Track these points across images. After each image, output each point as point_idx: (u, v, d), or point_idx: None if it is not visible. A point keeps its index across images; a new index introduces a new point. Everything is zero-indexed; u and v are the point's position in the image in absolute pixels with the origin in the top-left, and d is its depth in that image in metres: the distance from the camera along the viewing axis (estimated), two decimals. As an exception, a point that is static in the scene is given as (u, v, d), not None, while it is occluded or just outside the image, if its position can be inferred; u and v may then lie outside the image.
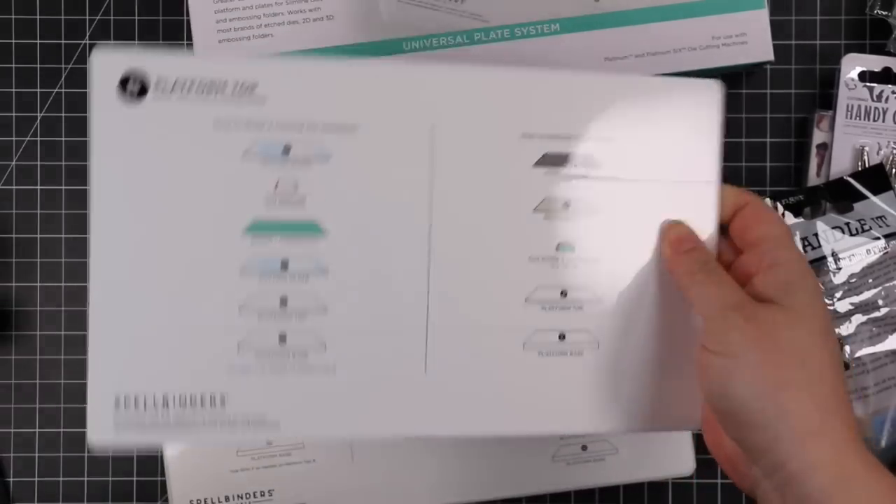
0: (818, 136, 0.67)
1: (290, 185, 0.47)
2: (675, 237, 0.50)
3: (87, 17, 0.69)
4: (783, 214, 0.65)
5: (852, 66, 0.67)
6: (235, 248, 0.47)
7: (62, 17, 0.69)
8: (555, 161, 0.49)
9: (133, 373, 0.47)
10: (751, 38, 0.64)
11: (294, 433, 0.49)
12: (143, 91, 0.46)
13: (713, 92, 0.51)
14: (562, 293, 0.50)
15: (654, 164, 0.50)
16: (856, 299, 0.65)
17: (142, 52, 0.47)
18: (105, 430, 0.47)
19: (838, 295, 0.64)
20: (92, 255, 0.46)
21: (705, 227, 0.50)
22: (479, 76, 0.49)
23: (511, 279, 0.49)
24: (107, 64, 0.46)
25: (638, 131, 0.50)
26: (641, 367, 0.50)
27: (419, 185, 0.48)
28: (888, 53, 0.67)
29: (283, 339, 0.47)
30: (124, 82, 0.46)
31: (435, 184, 0.48)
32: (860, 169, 0.66)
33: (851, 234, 0.65)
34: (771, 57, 0.64)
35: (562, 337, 0.50)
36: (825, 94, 0.69)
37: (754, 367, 0.44)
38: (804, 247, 0.65)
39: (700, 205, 0.51)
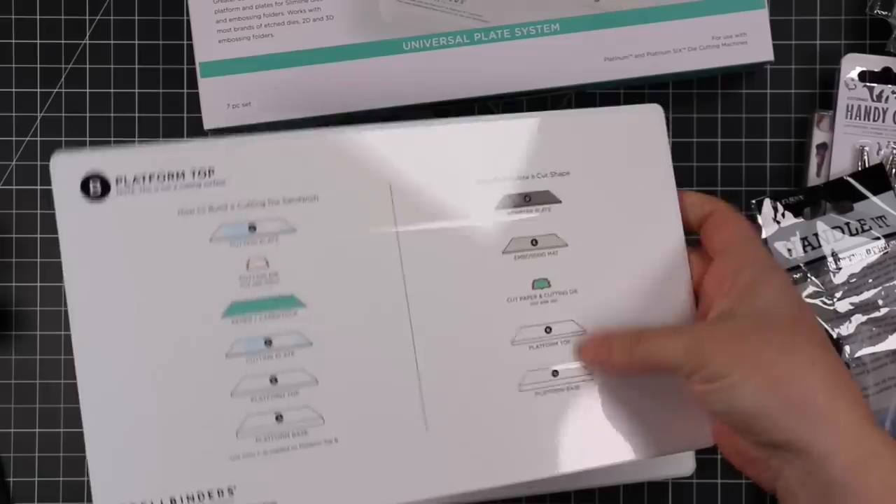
0: (818, 136, 0.67)
1: (262, 262, 0.47)
2: (592, 350, 0.50)
3: (87, 17, 0.69)
4: (783, 214, 0.65)
5: (852, 66, 0.67)
6: (217, 333, 0.47)
7: (62, 17, 0.69)
8: (515, 201, 0.50)
9: (136, 481, 0.46)
10: (751, 38, 0.64)
11: None
12: (105, 189, 0.46)
13: (654, 114, 0.52)
14: (546, 329, 0.50)
15: (612, 190, 0.51)
16: (856, 299, 0.65)
17: (98, 153, 0.47)
18: None
19: (838, 295, 0.64)
20: (76, 358, 0.46)
21: (671, 242, 0.51)
22: (427, 133, 0.50)
23: (494, 324, 0.50)
24: (66, 167, 0.46)
25: (590, 162, 0.51)
26: (640, 393, 0.51)
27: (387, 244, 0.48)
28: (888, 53, 0.67)
29: (279, 418, 0.47)
30: (85, 184, 0.46)
31: (402, 240, 0.49)
32: (860, 169, 0.66)
33: (851, 234, 0.65)
34: (771, 57, 0.64)
35: (555, 374, 0.50)
36: (825, 94, 0.69)
37: (747, 378, 0.44)
38: (804, 247, 0.65)
39: (662, 221, 0.51)
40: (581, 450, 0.50)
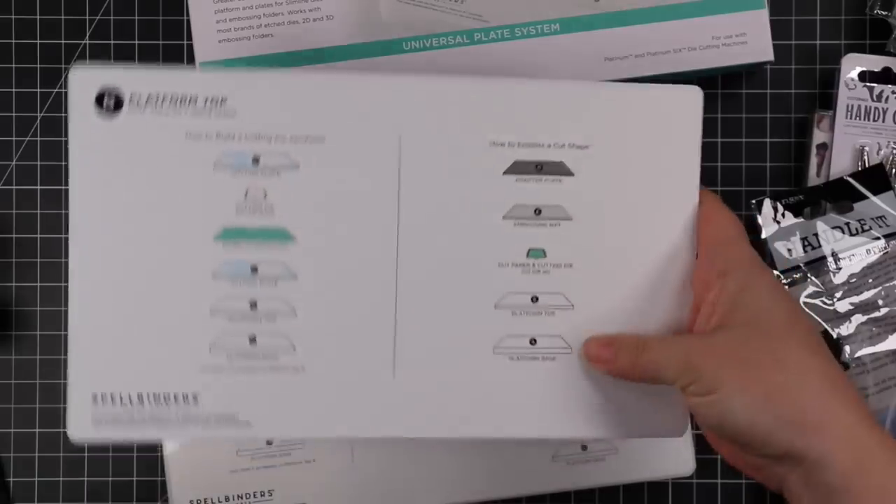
0: (818, 136, 0.67)
1: (260, 193, 0.49)
2: (597, 351, 0.50)
3: (87, 17, 0.69)
4: (783, 214, 0.65)
5: (852, 66, 0.67)
6: (207, 253, 0.49)
7: (62, 17, 0.69)
8: (526, 169, 0.50)
9: (109, 371, 0.49)
10: (751, 38, 0.63)
11: (264, 433, 0.51)
12: (118, 105, 0.48)
13: (693, 99, 0.51)
14: (532, 299, 0.50)
15: (631, 172, 0.50)
16: (856, 299, 0.65)
17: (117, 69, 0.48)
18: (84, 426, 0.49)
19: (838, 295, 0.64)
20: (71, 259, 0.49)
21: (679, 233, 0.51)
22: (446, 85, 0.50)
23: (480, 284, 0.50)
24: (83, 80, 0.48)
25: (613, 139, 0.50)
26: None
27: (386, 193, 0.49)
28: (888, 53, 0.67)
29: (253, 340, 0.49)
30: (100, 98, 0.48)
31: (402, 192, 0.49)
32: (860, 169, 0.66)
33: (851, 234, 0.65)
34: (771, 57, 0.64)
35: (533, 342, 0.50)
36: (825, 94, 0.69)
37: (737, 394, 0.44)
38: (804, 247, 0.65)
39: (675, 210, 0.51)
40: (545, 418, 0.50)
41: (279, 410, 0.49)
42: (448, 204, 0.49)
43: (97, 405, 0.49)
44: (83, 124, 0.48)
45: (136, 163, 0.48)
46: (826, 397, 0.44)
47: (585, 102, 0.50)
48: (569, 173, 0.50)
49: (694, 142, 0.51)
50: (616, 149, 0.50)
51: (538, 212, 0.50)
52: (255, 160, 0.48)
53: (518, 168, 0.50)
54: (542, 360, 0.50)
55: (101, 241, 0.49)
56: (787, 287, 0.64)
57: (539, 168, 0.50)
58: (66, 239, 0.67)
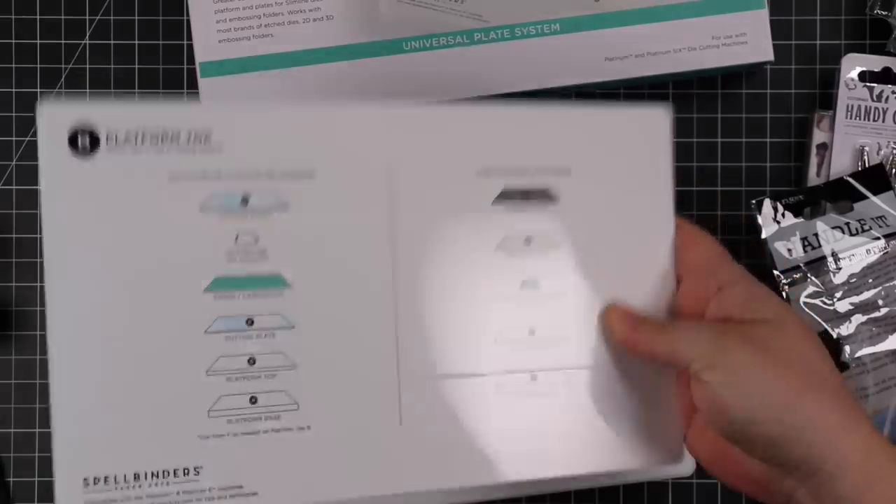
0: (818, 136, 0.67)
1: (251, 237, 0.46)
2: (618, 317, 0.50)
3: (87, 17, 0.69)
4: (783, 214, 0.65)
5: (852, 66, 0.67)
6: (198, 308, 0.46)
7: (62, 17, 0.69)
8: (513, 196, 0.49)
9: (101, 452, 0.45)
10: (751, 38, 0.63)
11: (273, 502, 0.46)
12: (94, 145, 0.44)
13: (662, 118, 0.51)
14: (530, 332, 0.49)
15: (610, 194, 0.50)
16: (856, 299, 0.64)
17: (90, 105, 0.45)
18: None
19: (838, 295, 0.64)
20: (48, 323, 0.44)
21: (663, 251, 0.50)
22: (432, 115, 0.49)
23: (478, 321, 0.49)
24: (55, 118, 0.44)
25: (592, 161, 0.50)
26: (617, 404, 0.50)
27: (379, 229, 0.47)
28: (888, 53, 0.67)
29: (253, 400, 0.46)
30: (73, 137, 0.44)
31: (396, 227, 0.48)
32: (860, 169, 0.66)
33: (851, 234, 0.65)
34: (771, 57, 0.64)
35: (533, 377, 0.49)
36: (825, 94, 0.68)
37: (765, 384, 0.44)
38: (804, 247, 0.65)
39: (657, 229, 0.51)
40: (552, 457, 0.49)
41: (287, 476, 0.46)
42: (442, 239, 0.48)
43: (88, 489, 0.45)
44: (56, 166, 0.44)
45: (116, 208, 0.45)
46: (844, 409, 0.44)
47: (562, 126, 0.50)
48: (554, 199, 0.50)
49: (664, 162, 0.51)
50: (595, 172, 0.50)
51: (528, 241, 0.49)
52: (245, 200, 0.46)
53: (506, 196, 0.49)
54: (544, 397, 0.49)
55: (80, 300, 0.44)
56: (787, 287, 0.64)
57: (526, 196, 0.49)
58: (66, 239, 0.67)
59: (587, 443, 0.50)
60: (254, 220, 0.46)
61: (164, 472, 0.45)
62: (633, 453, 0.50)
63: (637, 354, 0.49)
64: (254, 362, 0.46)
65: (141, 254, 0.45)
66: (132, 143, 0.45)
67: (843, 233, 0.65)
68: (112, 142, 0.44)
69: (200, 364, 0.45)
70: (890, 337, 0.64)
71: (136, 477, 0.45)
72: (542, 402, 0.49)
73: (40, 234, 0.68)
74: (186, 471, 0.45)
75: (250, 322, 0.46)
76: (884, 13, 0.67)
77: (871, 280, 0.64)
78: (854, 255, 0.65)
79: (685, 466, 0.63)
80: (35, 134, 0.68)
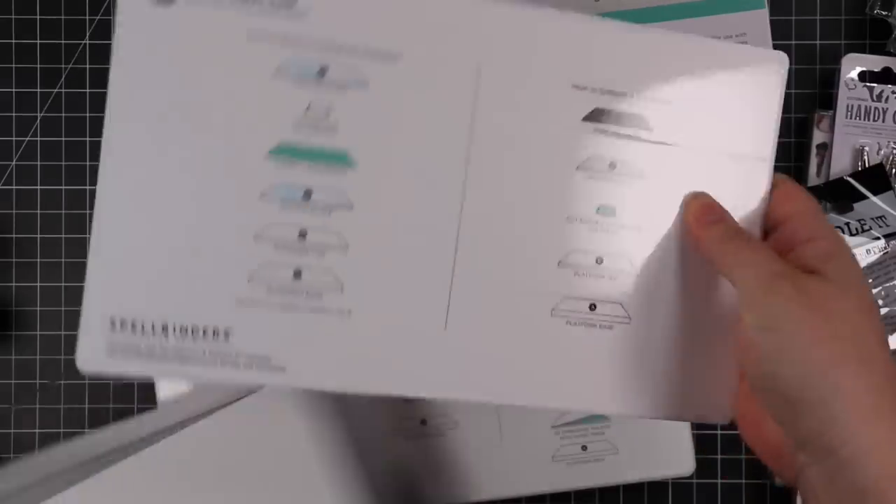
0: (818, 136, 0.67)
1: (323, 109, 0.44)
2: (700, 206, 0.47)
3: (87, 17, 0.69)
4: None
5: (852, 66, 0.67)
6: (257, 170, 0.44)
7: (62, 17, 0.69)
8: (605, 118, 0.46)
9: (133, 292, 0.43)
10: (751, 37, 0.64)
11: (299, 381, 0.45)
12: None
13: (778, 65, 0.49)
14: (597, 260, 0.47)
15: (709, 133, 0.47)
16: (856, 299, 0.65)
17: None
18: (97, 355, 0.43)
19: (838, 295, 0.64)
20: (102, 157, 0.43)
21: (754, 204, 0.47)
22: (533, 17, 0.46)
23: (546, 239, 0.46)
24: None
25: (696, 97, 0.47)
26: (672, 350, 0.48)
27: (459, 126, 0.45)
28: (888, 53, 0.67)
29: (297, 274, 0.44)
30: None
31: (476, 127, 0.45)
32: (860, 169, 0.66)
33: (851, 234, 0.65)
34: (771, 56, 0.64)
35: (592, 307, 0.47)
36: (825, 94, 0.69)
37: (806, 343, 0.41)
38: (804, 247, 0.65)
39: (751, 181, 0.48)
40: (594, 392, 0.47)
41: (318, 357, 0.44)
42: (521, 147, 0.46)
43: (114, 331, 0.43)
44: (133, 9, 0.43)
45: (189, 61, 0.43)
46: (883, 392, 0.41)
47: (672, 54, 0.47)
48: (647, 128, 0.47)
49: (771, 111, 0.48)
50: (697, 107, 0.47)
51: (612, 166, 0.47)
52: (322, 71, 0.44)
53: (597, 116, 0.46)
54: (600, 329, 0.47)
55: (139, 142, 0.43)
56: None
57: (620, 119, 0.47)
58: (66, 239, 0.68)
59: (632, 384, 0.48)
60: (329, 92, 0.44)
61: (193, 328, 0.44)
62: (677, 404, 0.48)
63: (699, 252, 0.47)
64: (305, 236, 0.44)
65: (207, 109, 0.44)
66: None
67: (843, 233, 0.65)
68: None
69: (250, 226, 0.44)
70: (890, 337, 0.64)
71: (164, 329, 0.43)
72: (596, 334, 0.47)
73: (39, 234, 0.68)
74: (217, 332, 0.44)
75: (308, 194, 0.44)
76: (884, 13, 0.67)
77: (870, 280, 0.65)
78: (854, 254, 0.65)
79: (685, 466, 0.63)
80: (36, 133, 0.68)
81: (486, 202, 0.46)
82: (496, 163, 0.46)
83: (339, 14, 0.44)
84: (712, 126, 0.47)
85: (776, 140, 0.48)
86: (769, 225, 0.47)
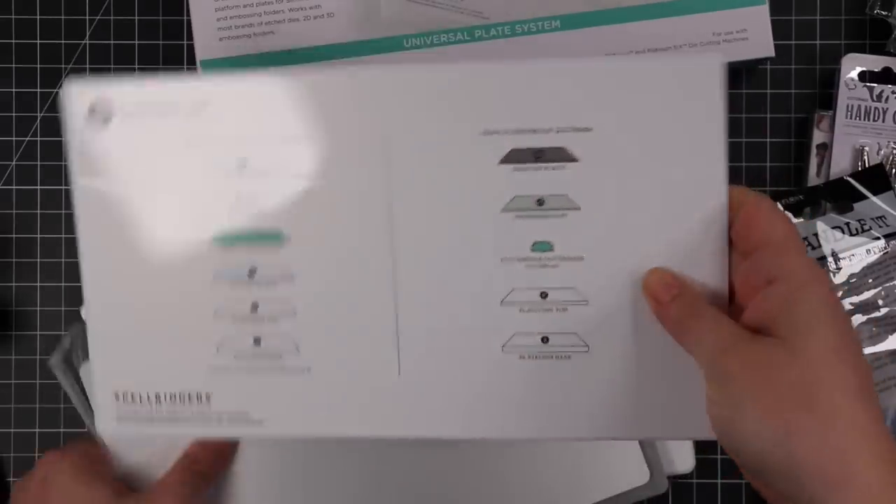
0: (818, 136, 0.67)
1: (251, 196, 0.49)
2: (655, 284, 0.46)
3: (87, 17, 0.69)
4: (783, 214, 0.65)
5: (852, 66, 0.67)
6: (206, 257, 0.49)
7: (62, 17, 0.69)
8: (523, 157, 0.47)
9: (127, 371, 0.50)
10: (751, 34, 0.64)
11: (277, 432, 0.50)
12: (110, 117, 0.49)
13: (711, 68, 0.46)
14: (542, 294, 0.48)
15: (644, 155, 0.46)
16: (856, 299, 0.65)
17: (105, 82, 0.49)
18: (109, 422, 0.50)
19: (838, 295, 0.64)
20: (80, 262, 0.50)
21: (712, 220, 0.46)
22: (430, 75, 0.48)
23: (484, 282, 0.48)
24: (76, 94, 0.49)
25: (622, 118, 0.46)
26: (638, 373, 0.48)
27: (378, 190, 0.48)
28: (888, 53, 0.67)
29: (257, 341, 0.49)
30: (92, 110, 0.49)
31: (394, 188, 0.48)
32: (860, 169, 0.66)
33: (851, 234, 0.65)
34: (772, 53, 0.64)
35: (545, 340, 0.48)
36: (825, 94, 0.69)
37: (758, 417, 0.40)
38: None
39: (704, 195, 0.46)
40: (562, 418, 0.48)
41: (289, 409, 0.49)
42: (442, 198, 0.48)
43: (119, 402, 0.50)
44: (78, 135, 0.50)
45: (131, 170, 0.49)
46: (853, 450, 0.39)
47: (588, 81, 0.47)
48: (572, 159, 0.47)
49: (712, 119, 0.46)
50: (625, 130, 0.47)
51: (541, 202, 0.47)
52: (243, 163, 0.48)
53: (515, 157, 0.47)
54: (556, 359, 0.48)
55: (108, 246, 0.49)
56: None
57: (538, 155, 0.47)
58: (66, 239, 0.68)
59: (601, 409, 0.48)
60: (253, 180, 0.48)
61: (179, 395, 0.50)
62: (651, 424, 0.48)
63: (667, 329, 0.46)
64: (256, 308, 0.49)
65: (156, 209, 0.49)
66: (142, 114, 0.49)
67: (843, 233, 0.65)
68: (124, 113, 0.49)
69: (209, 306, 0.49)
70: (890, 337, 0.64)
71: (157, 397, 0.50)
72: (554, 365, 0.48)
73: (39, 234, 0.68)
74: (199, 396, 0.50)
75: (252, 272, 0.49)
76: (884, 13, 0.67)
77: (871, 280, 0.65)
78: (854, 255, 0.65)
79: (685, 465, 0.63)
80: (36, 133, 0.68)
81: (418, 257, 0.48)
82: (421, 219, 0.48)
83: (247, 111, 0.49)
84: (647, 144, 0.47)
85: (725, 149, 0.46)
86: (743, 250, 0.45)
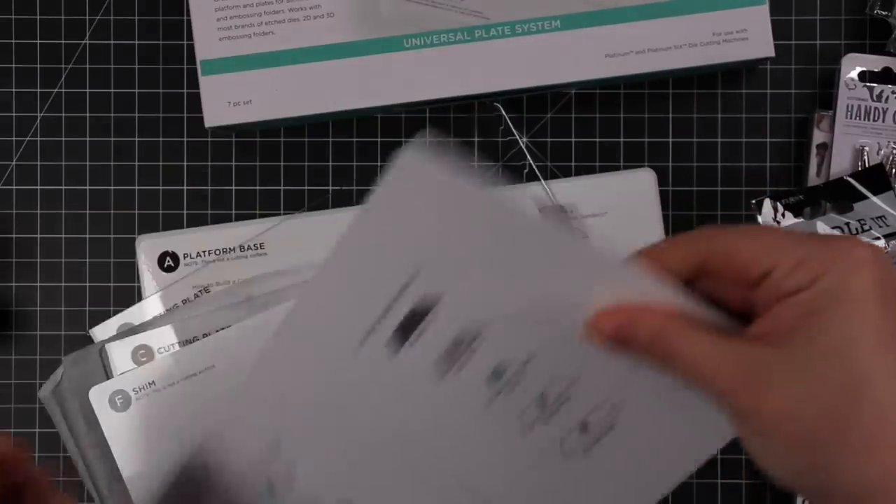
0: (818, 136, 0.67)
1: None
2: (605, 335, 0.40)
3: (87, 17, 0.69)
4: (783, 214, 0.65)
5: (852, 66, 0.67)
6: None
7: (62, 17, 0.69)
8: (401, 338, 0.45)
9: None
10: (751, 33, 0.63)
11: None
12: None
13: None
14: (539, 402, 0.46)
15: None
16: (856, 299, 0.64)
17: None
18: None
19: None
20: None
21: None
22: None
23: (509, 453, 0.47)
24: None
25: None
26: (658, 436, 0.45)
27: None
28: (888, 53, 0.67)
29: None
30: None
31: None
32: (860, 169, 0.66)
33: (851, 234, 0.65)
34: (772, 53, 0.64)
35: (584, 428, 0.45)
36: (825, 94, 0.69)
37: (785, 446, 0.36)
38: (804, 247, 0.65)
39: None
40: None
41: None
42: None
43: None
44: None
45: None
46: (877, 476, 0.36)
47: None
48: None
49: None
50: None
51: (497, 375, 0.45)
52: None
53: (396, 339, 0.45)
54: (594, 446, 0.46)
55: None
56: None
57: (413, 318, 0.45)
58: (66, 239, 0.68)
59: (641, 478, 0.46)
60: None
61: None
62: (686, 461, 0.45)
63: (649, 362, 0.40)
64: None
65: None
66: None
67: (844, 233, 0.65)
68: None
69: None
70: (891, 337, 0.64)
71: None
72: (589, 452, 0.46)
73: (39, 234, 0.68)
74: None
75: None
76: (884, 13, 0.67)
77: (871, 280, 0.64)
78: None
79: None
80: (36, 133, 0.68)
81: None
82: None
83: None
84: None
85: None
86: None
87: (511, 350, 0.44)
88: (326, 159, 0.68)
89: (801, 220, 0.65)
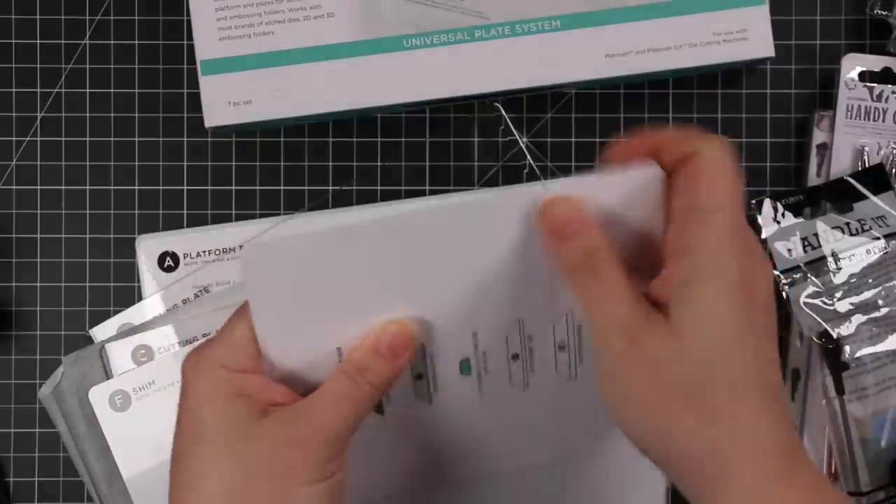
0: (818, 136, 0.67)
1: None
2: (554, 219, 0.41)
3: (87, 17, 0.69)
4: (783, 214, 0.65)
5: (852, 66, 0.67)
6: None
7: (62, 17, 0.69)
8: None
9: None
10: (751, 33, 0.64)
11: None
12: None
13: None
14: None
15: None
16: (856, 299, 0.64)
17: None
18: None
19: (838, 295, 0.64)
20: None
21: (645, 191, 0.43)
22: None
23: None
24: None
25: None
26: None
27: None
28: (888, 53, 0.67)
29: None
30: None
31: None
32: (860, 169, 0.66)
33: (851, 234, 0.65)
34: (772, 53, 0.64)
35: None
36: (825, 94, 0.69)
37: (640, 414, 0.39)
38: (804, 247, 0.65)
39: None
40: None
41: None
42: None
43: None
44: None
45: None
46: (733, 450, 0.38)
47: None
48: None
49: None
50: None
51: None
52: None
53: None
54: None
55: None
56: (787, 287, 0.64)
57: None
58: (66, 239, 0.68)
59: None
60: None
61: None
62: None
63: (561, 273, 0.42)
64: None
65: None
66: None
67: (843, 233, 0.65)
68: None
69: None
70: (890, 337, 0.64)
71: None
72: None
73: (39, 234, 0.68)
74: None
75: None
76: (884, 13, 0.67)
77: (871, 280, 0.64)
78: (854, 255, 0.65)
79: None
80: (36, 133, 0.68)
81: None
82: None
83: None
84: None
85: None
86: (680, 207, 0.41)
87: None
88: (326, 159, 0.68)
89: (801, 219, 0.65)
